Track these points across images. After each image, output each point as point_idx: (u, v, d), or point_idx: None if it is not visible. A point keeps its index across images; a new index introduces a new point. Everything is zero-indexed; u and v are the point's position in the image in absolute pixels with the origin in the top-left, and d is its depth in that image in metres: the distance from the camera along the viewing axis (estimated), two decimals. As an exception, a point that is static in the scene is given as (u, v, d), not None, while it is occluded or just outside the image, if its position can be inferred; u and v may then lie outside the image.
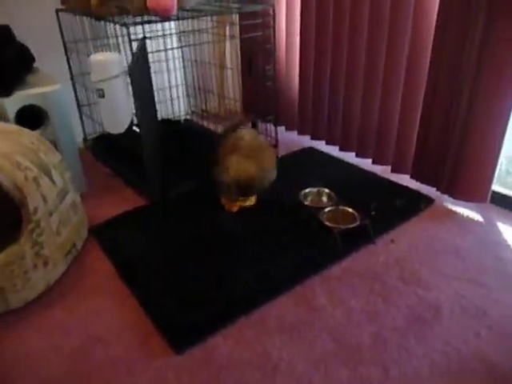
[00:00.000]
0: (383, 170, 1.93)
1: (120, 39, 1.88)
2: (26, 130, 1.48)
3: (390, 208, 1.67)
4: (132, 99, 1.50)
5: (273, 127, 2.12)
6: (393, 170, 1.88)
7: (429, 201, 1.72)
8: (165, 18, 1.59)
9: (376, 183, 1.86)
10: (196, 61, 2.47)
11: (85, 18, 1.93)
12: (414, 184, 1.81)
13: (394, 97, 1.78)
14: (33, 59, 1.88)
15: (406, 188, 1.80)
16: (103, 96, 1.61)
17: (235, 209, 1.70)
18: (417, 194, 1.76)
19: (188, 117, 2.63)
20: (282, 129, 2.33)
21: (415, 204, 1.70)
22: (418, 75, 1.67)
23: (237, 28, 2.34)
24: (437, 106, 1.62)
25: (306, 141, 2.27)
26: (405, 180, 1.83)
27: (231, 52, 2.50)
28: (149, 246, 1.52)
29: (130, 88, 1.69)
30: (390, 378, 1.04)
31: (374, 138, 1.91)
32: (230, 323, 1.21)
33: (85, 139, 2.25)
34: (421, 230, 1.58)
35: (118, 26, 1.76)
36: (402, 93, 1.74)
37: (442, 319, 1.20)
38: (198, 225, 1.62)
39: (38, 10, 2.04)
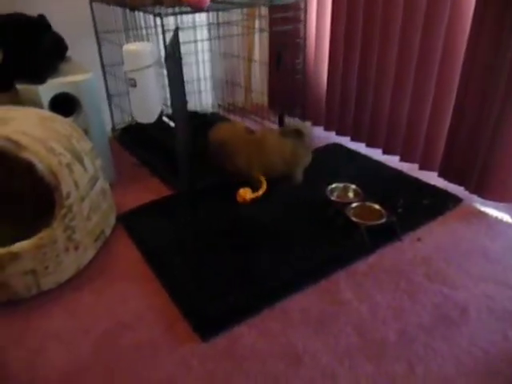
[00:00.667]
0: (410, 168, 1.91)
1: (153, 30, 1.90)
2: (60, 117, 1.51)
3: (417, 206, 1.66)
4: (161, 90, 1.53)
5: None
6: (421, 168, 1.86)
7: (457, 200, 1.69)
8: (198, 9, 1.60)
9: (403, 180, 1.84)
10: (224, 53, 2.48)
11: (118, 8, 1.96)
12: (441, 183, 1.78)
13: (424, 93, 1.76)
14: (66, 48, 1.92)
15: (434, 186, 1.78)
16: (135, 85, 1.63)
17: (248, 199, 1.69)
18: (445, 192, 1.74)
19: (214, 110, 2.64)
20: (308, 124, 2.33)
21: (443, 203, 1.68)
22: (451, 72, 1.64)
23: (266, 21, 2.34)
24: (469, 104, 1.59)
25: (332, 137, 2.26)
26: (433, 178, 1.81)
27: (260, 45, 2.50)
28: (175, 234, 1.54)
29: (161, 78, 1.72)
30: (415, 375, 1.04)
31: (403, 134, 1.89)
32: (254, 314, 1.22)
33: (113, 128, 2.29)
34: (448, 229, 1.55)
35: (151, 17, 1.78)
36: (433, 90, 1.72)
37: (469, 319, 1.19)
38: (224, 216, 1.64)
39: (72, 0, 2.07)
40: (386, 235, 1.49)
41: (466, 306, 1.23)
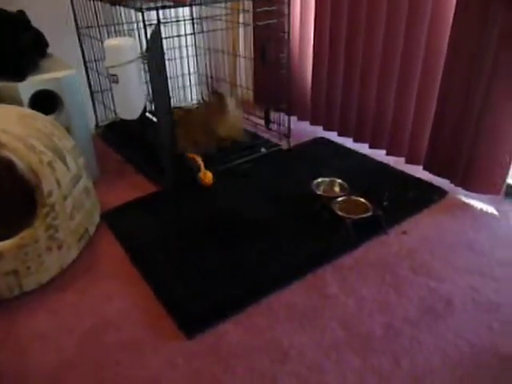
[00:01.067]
0: (397, 162, 1.91)
1: (135, 25, 1.87)
2: (40, 115, 1.49)
3: (403, 199, 1.66)
4: (144, 85, 1.50)
5: (285, 117, 2.11)
6: (407, 161, 1.86)
7: (442, 193, 1.70)
8: (180, 3, 1.58)
9: (389, 174, 1.84)
10: (209, 48, 2.46)
11: (99, 2, 1.93)
12: (427, 176, 1.79)
13: (409, 87, 1.76)
14: (47, 44, 1.89)
15: (419, 179, 1.78)
16: (117, 81, 1.61)
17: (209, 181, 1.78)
18: (430, 185, 1.74)
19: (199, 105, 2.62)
20: (294, 119, 2.32)
21: (428, 196, 1.68)
22: (435, 66, 1.64)
23: (250, 15, 2.32)
24: (452, 98, 1.59)
25: (319, 131, 2.25)
26: (418, 172, 1.82)
27: (244, 39, 2.48)
28: (159, 231, 1.53)
29: (143, 74, 1.69)
30: (401, 368, 1.04)
31: (389, 128, 1.89)
32: (240, 310, 1.21)
33: (97, 125, 2.26)
34: (433, 222, 1.56)
35: (132, 11, 1.75)
36: (417, 83, 1.72)
37: (454, 312, 1.19)
38: (209, 212, 1.62)
39: (52, -6, 2.03)
40: (371, 229, 1.49)
41: (451, 299, 1.23)
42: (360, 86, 1.95)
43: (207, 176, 1.78)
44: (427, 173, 1.79)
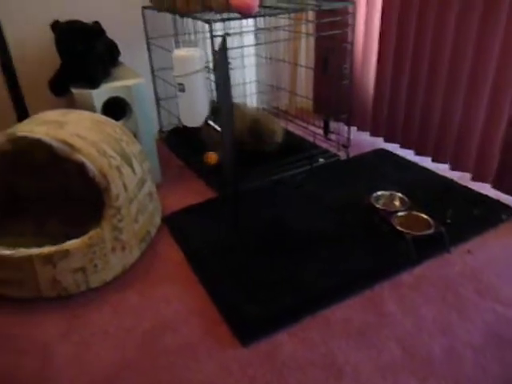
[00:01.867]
0: (462, 177, 1.83)
1: (201, 35, 1.93)
2: (111, 121, 1.57)
3: (468, 217, 1.59)
4: (209, 94, 1.54)
5: (345, 127, 2.09)
6: (473, 178, 1.78)
7: (511, 212, 1.61)
8: (246, 14, 1.61)
9: (453, 190, 1.77)
10: (270, 58, 2.48)
11: (168, 14, 2.01)
12: (494, 193, 1.70)
13: (478, 99, 1.69)
14: (119, 53, 1.99)
15: (486, 197, 1.70)
16: (183, 90, 1.66)
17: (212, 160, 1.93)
18: (498, 203, 1.66)
19: (259, 113, 2.65)
20: (353, 130, 2.29)
21: (496, 214, 1.60)
22: (508, 74, 1.56)
23: (313, 25, 2.33)
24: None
25: (379, 143, 2.21)
26: (485, 190, 1.73)
27: (306, 50, 2.49)
28: (218, 237, 1.56)
29: (208, 82, 1.74)
30: (462, 395, 0.99)
31: (454, 142, 1.82)
32: (295, 321, 1.21)
33: (161, 131, 2.35)
34: (501, 242, 1.48)
35: (200, 22, 1.81)
36: (487, 94, 1.64)
37: (523, 339, 1.12)
38: (267, 220, 1.63)
39: (123, 6, 2.14)
40: (433, 246, 1.44)
41: (519, 325, 1.16)
42: (424, 97, 1.90)
43: (211, 157, 1.94)
44: (494, 190, 1.70)
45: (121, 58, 2.02)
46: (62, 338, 1.21)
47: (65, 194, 1.66)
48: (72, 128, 1.38)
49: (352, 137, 2.12)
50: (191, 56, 1.62)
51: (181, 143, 2.22)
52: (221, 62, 1.39)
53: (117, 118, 1.71)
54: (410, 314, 1.22)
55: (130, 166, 1.45)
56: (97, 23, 1.86)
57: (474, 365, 1.06)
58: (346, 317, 1.22)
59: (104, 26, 1.88)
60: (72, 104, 1.72)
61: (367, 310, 1.24)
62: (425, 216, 1.51)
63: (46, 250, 1.26)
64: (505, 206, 1.64)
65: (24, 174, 1.61)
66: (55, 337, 1.22)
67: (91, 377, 1.09)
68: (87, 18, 1.82)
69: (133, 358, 1.14)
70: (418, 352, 1.10)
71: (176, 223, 1.66)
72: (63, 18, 1.75)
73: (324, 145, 2.19)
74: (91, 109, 1.65)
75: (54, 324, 1.26)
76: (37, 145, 1.30)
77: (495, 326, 1.16)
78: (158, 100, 2.26)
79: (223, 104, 1.49)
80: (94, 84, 1.67)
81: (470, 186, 1.77)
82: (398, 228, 1.47)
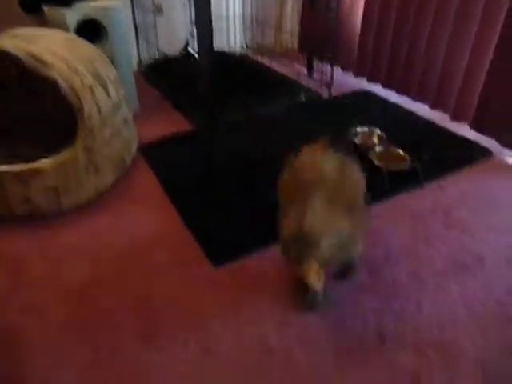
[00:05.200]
0: (442, 119, 1.83)
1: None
2: (85, 41, 1.50)
3: (444, 155, 1.60)
4: (188, 24, 1.48)
5: (328, 66, 2.05)
6: (452, 118, 1.78)
7: (487, 153, 1.62)
8: None
9: (432, 130, 1.77)
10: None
11: None
12: (473, 136, 1.71)
13: (463, 40, 1.65)
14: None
15: (463, 137, 1.71)
16: (161, 11, 1.59)
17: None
18: (474, 144, 1.67)
19: (243, 51, 2.57)
20: (338, 71, 2.25)
21: (471, 154, 1.61)
22: (494, 17, 1.53)
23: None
24: (510, 54, 1.49)
25: (362, 84, 2.18)
26: (464, 130, 1.74)
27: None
28: (193, 165, 1.55)
29: (188, 9, 1.67)
30: (423, 314, 1.03)
31: (436, 81, 1.80)
32: (265, 246, 1.22)
33: (139, 63, 2.27)
34: (474, 181, 1.50)
35: None
36: (473, 35, 1.61)
37: (485, 268, 1.16)
38: (240, 152, 1.62)
39: None
40: (407, 182, 1.46)
41: (483, 256, 1.20)
42: (410, 36, 1.86)
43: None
44: (473, 133, 1.71)
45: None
46: (35, 256, 1.21)
47: (37, 117, 1.61)
48: (44, 43, 1.32)
49: (335, 77, 2.08)
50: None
51: (159, 76, 2.15)
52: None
53: (92, 42, 1.63)
54: (378, 241, 1.25)
55: (104, 88, 1.40)
56: None
57: (436, 288, 1.10)
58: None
59: None
60: (44, 24, 1.63)
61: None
62: (401, 152, 1.52)
63: (18, 167, 1.23)
64: (481, 148, 1.65)
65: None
66: (31, 254, 1.22)
67: (63, 292, 1.10)
68: None
69: (104, 275, 1.15)
70: (385, 277, 1.14)
71: (152, 152, 1.64)
72: None
73: (307, 83, 2.16)
74: (64, 28, 1.57)
75: (26, 242, 1.26)
76: (5, 60, 1.23)
77: (460, 255, 1.20)
78: (136, 28, 2.16)
79: (201, 30, 1.43)
80: (67, 2, 1.58)
81: (449, 128, 1.77)
82: (375, 162, 1.48)
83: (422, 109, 1.91)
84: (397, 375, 0.91)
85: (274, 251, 1.21)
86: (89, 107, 1.29)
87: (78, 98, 1.26)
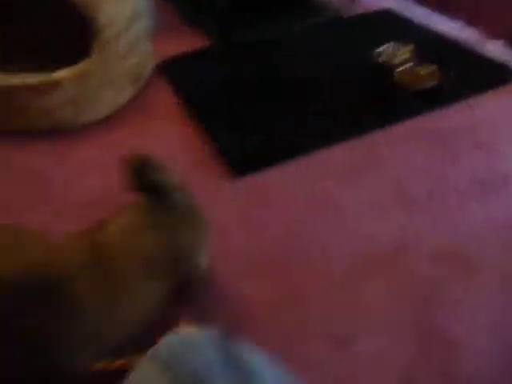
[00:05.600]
0: (472, 39, 1.72)
1: None
2: None
3: (473, 75, 1.52)
4: None
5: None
6: (486, 36, 1.67)
7: (518, 75, 1.54)
8: None
9: (460, 51, 1.67)
10: None
11: None
12: (504, 58, 1.61)
13: None
14: None
15: (494, 59, 1.61)
16: None
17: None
18: (504, 66, 1.58)
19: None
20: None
21: (501, 76, 1.53)
22: None
23: None
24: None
25: (390, 2, 2.04)
26: (495, 52, 1.64)
27: None
28: (214, 82, 1.52)
29: None
30: (438, 227, 1.03)
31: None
32: (289, 160, 1.21)
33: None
34: (504, 102, 1.44)
35: None
36: None
37: (509, 188, 1.14)
38: (262, 69, 1.58)
39: None
40: (434, 101, 1.40)
41: (508, 176, 1.17)
42: None
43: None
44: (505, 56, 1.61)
45: None
46: (58, 165, 1.23)
47: (51, 34, 1.55)
48: None
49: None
50: None
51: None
52: None
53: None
54: (401, 159, 1.22)
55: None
56: None
57: (457, 205, 1.09)
58: (340, 158, 1.22)
59: None
60: None
61: (361, 153, 1.24)
62: (427, 71, 1.45)
63: (37, 79, 1.21)
64: (510, 70, 1.57)
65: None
66: (52, 163, 1.24)
67: (80, 198, 1.13)
68: None
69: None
70: (408, 192, 1.12)
71: (171, 68, 1.60)
72: None
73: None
74: None
75: (49, 153, 1.27)
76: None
77: (484, 174, 1.17)
78: None
79: None
80: None
81: (479, 50, 1.67)
82: (400, 81, 1.42)
83: (451, 29, 1.79)
84: (415, 284, 0.92)
85: (298, 164, 1.20)
86: (103, 18, 1.24)
87: (92, 8, 1.21)
